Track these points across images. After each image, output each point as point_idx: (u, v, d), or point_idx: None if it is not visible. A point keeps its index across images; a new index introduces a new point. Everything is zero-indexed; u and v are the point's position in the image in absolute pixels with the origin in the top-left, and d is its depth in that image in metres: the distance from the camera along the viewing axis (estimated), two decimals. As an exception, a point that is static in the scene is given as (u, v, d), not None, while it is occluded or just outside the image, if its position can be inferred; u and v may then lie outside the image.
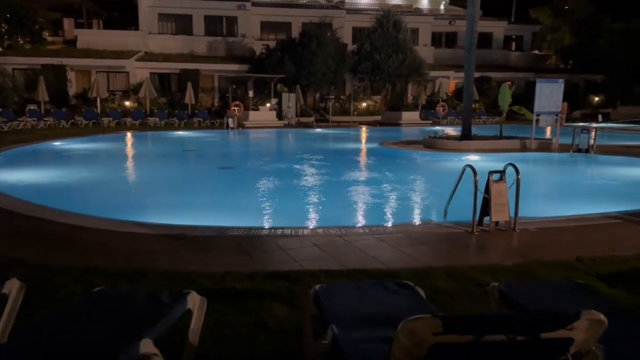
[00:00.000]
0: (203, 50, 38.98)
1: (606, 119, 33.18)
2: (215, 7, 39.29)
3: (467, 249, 5.97)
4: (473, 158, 15.86)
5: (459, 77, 44.31)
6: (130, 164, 15.59)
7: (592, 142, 15.75)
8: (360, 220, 8.28)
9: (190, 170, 14.62)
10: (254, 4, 40.34)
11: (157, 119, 29.39)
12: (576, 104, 43.33)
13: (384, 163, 15.32)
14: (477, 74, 43.37)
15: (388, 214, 8.83)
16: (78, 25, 41.31)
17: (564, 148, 17.27)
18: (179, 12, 39.13)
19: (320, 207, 9.21)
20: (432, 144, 18.03)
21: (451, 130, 24.30)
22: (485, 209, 6.46)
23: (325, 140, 23.84)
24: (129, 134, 24.04)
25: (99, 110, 29.41)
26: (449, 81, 43.30)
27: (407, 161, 15.90)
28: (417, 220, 7.18)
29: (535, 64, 51.30)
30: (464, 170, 6.63)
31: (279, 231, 6.34)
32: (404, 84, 38.35)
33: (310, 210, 9.00)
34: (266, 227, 6.59)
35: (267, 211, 8.91)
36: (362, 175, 12.87)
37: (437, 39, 47.20)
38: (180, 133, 25.42)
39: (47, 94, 28.68)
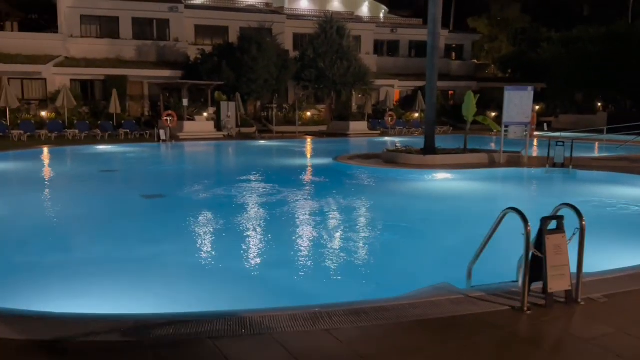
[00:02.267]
0: (131, 55, 35.65)
1: (549, 127, 32.85)
2: (145, 9, 36.08)
3: (529, 349, 3.81)
4: (442, 176, 14.04)
5: (403, 85, 43.30)
6: (20, 195, 11.19)
7: (568, 155, 14.28)
8: (343, 287, 5.84)
9: (104, 200, 10.91)
10: (187, 7, 37.47)
11: (77, 131, 25.96)
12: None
13: (346, 185, 13.10)
14: (420, 83, 42.70)
15: (380, 271, 6.45)
16: (-12, 27, 36.86)
17: (534, 162, 15.83)
18: (104, 14, 35.63)
19: (279, 261, 6.73)
20: (392, 158, 16.08)
21: (393, 141, 22.56)
22: (536, 271, 4.36)
23: (272, 155, 21.44)
24: (41, 150, 20.61)
25: (8, 122, 25.62)
26: (394, 90, 42.06)
27: (372, 182, 13.74)
28: (428, 285, 4.98)
29: (476, 73, 51.28)
30: (503, 216, 4.51)
31: (229, 325, 3.93)
32: (349, 93, 36.60)
33: (266, 269, 6.50)
34: (205, 317, 4.12)
35: (203, 275, 6.25)
36: (326, 204, 10.29)
37: (379, 48, 46.03)
38: (103, 147, 22.23)
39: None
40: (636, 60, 34.13)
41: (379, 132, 32.98)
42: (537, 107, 46.78)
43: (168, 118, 25.74)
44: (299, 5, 45.44)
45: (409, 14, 56.06)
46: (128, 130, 27.22)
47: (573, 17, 53.84)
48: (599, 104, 43.22)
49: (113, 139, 25.52)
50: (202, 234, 8.12)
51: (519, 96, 15.74)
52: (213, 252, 7.23)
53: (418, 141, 19.62)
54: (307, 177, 14.93)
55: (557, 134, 26.68)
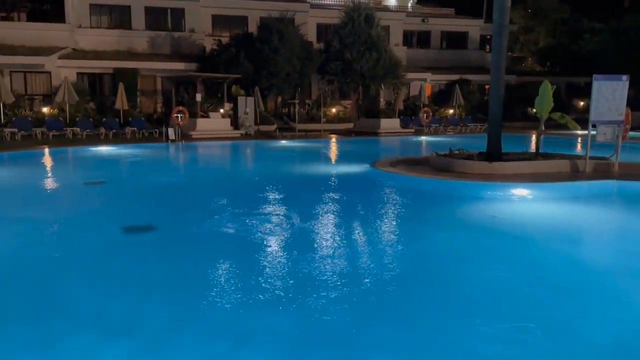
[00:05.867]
0: (144, 47, 33.09)
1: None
2: (159, -3, 33.44)
3: None
4: (521, 192, 10.70)
5: (436, 79, 39.85)
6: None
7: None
8: None
9: (60, 237, 7.33)
10: (203, -5, 34.67)
11: (78, 129, 23.27)
12: (560, 109, 39.37)
13: (395, 207, 9.77)
14: (455, 76, 39.14)
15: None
16: (-7, 18, 34.53)
17: (630, 171, 12.47)
18: (114, 3, 33.13)
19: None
20: (446, 165, 12.83)
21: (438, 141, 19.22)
22: None
23: (297, 160, 18.17)
24: (27, 152, 17.71)
25: (1, 120, 23.07)
26: (426, 84, 38.68)
27: (429, 201, 10.34)
28: None
29: (512, 66, 47.58)
30: None
31: None
32: (378, 87, 33.32)
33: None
34: None
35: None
36: (376, 245, 6.87)
37: (409, 39, 42.69)
38: (102, 149, 19.35)
39: None
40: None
41: (412, 130, 29.72)
42: (582, 103, 42.93)
43: (179, 115, 22.88)
44: (323, -6, 42.37)
45: (436, 5, 52.56)
46: (135, 129, 24.46)
47: (613, 8, 49.92)
48: (651, 100, 39.23)
49: (118, 138, 22.76)
50: (212, 294, 4.93)
51: (611, 88, 12.40)
52: (221, 330, 4.17)
53: (456, 141, 16.33)
54: (341, 194, 11.23)
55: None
